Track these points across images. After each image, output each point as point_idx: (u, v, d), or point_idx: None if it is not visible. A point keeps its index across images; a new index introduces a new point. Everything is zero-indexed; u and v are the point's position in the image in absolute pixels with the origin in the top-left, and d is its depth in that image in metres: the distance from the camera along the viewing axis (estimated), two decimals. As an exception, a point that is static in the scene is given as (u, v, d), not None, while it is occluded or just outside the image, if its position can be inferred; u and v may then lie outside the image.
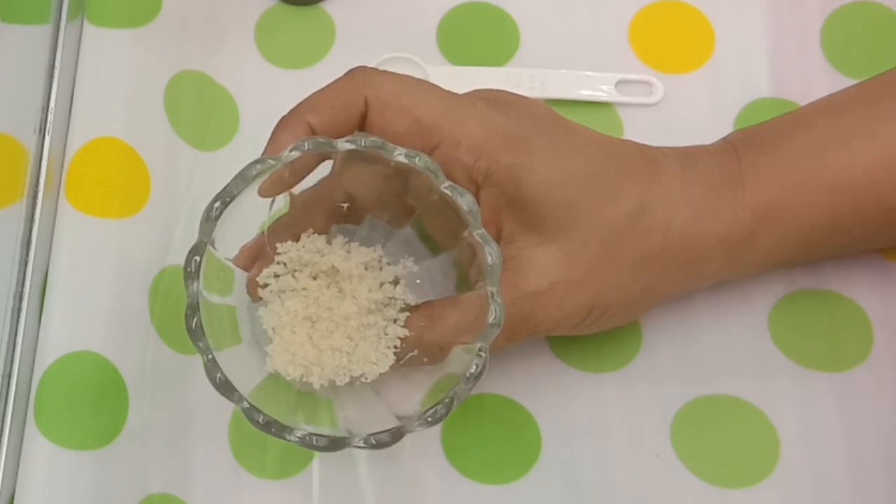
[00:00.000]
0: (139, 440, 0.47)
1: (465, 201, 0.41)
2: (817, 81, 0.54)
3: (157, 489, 0.46)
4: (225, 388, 0.40)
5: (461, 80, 0.53)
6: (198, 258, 0.41)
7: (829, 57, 0.54)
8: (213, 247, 0.42)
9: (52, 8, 0.52)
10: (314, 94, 0.43)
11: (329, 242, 0.45)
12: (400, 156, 0.41)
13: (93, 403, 0.47)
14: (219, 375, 0.40)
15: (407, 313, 0.45)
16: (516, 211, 0.43)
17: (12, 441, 0.46)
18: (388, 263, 0.45)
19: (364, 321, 0.44)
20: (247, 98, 0.53)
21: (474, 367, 0.41)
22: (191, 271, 0.41)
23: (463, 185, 0.42)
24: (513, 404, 0.48)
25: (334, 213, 0.45)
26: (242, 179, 0.41)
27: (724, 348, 0.49)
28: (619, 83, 0.54)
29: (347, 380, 0.44)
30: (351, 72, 0.44)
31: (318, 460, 0.47)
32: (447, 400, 0.40)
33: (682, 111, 0.53)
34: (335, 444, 0.40)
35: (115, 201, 0.50)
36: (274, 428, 0.40)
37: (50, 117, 0.50)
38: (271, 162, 0.41)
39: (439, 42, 0.55)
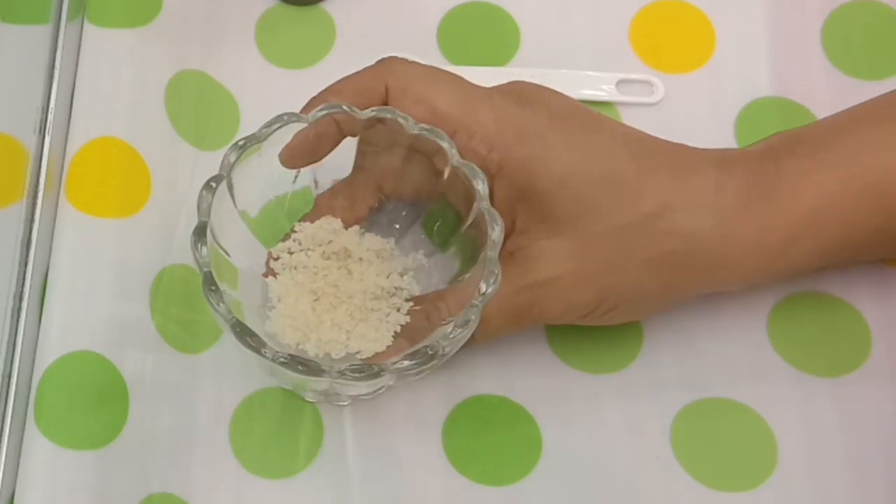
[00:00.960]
0: (139, 440, 0.47)
1: (476, 177, 0.43)
2: (818, 81, 0.54)
3: (157, 489, 0.46)
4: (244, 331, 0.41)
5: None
6: (214, 184, 0.42)
7: (829, 56, 0.54)
8: (233, 196, 0.44)
9: (52, 8, 0.52)
10: (340, 79, 0.45)
11: (345, 228, 0.47)
12: (416, 129, 0.43)
13: (93, 403, 0.47)
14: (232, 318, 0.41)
15: (411, 303, 0.45)
16: (529, 203, 0.44)
17: (12, 441, 0.46)
18: (399, 255, 0.46)
19: (368, 304, 0.45)
20: (247, 98, 0.53)
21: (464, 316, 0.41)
22: (210, 193, 0.42)
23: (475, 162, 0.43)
24: (513, 405, 0.48)
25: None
26: (267, 127, 0.44)
27: (723, 352, 0.49)
28: (620, 83, 0.54)
29: (343, 354, 0.44)
30: (379, 60, 0.46)
31: (318, 460, 0.47)
32: (428, 348, 0.41)
33: (683, 111, 0.53)
34: (313, 370, 0.40)
35: (115, 201, 0.50)
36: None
37: (50, 117, 0.50)
38: (298, 115, 0.44)
39: (439, 42, 0.55)
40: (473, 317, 0.41)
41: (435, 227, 0.47)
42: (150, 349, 0.48)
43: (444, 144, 0.44)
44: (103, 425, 0.47)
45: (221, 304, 0.41)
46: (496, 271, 0.42)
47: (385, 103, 0.45)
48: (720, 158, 0.45)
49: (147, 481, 0.46)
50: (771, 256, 0.45)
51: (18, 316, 0.48)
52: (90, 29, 0.53)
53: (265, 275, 0.46)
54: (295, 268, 0.46)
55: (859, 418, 0.48)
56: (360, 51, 0.53)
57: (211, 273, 0.41)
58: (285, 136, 0.44)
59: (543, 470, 0.47)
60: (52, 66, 0.51)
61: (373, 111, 0.44)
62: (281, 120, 0.44)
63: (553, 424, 0.47)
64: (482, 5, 0.55)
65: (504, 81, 0.53)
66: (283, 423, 0.47)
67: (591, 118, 0.45)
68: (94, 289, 0.49)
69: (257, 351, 0.40)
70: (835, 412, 0.48)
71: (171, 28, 0.54)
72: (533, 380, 0.48)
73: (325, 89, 0.45)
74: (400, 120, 0.44)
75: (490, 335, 0.45)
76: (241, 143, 0.43)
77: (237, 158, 0.43)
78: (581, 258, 0.44)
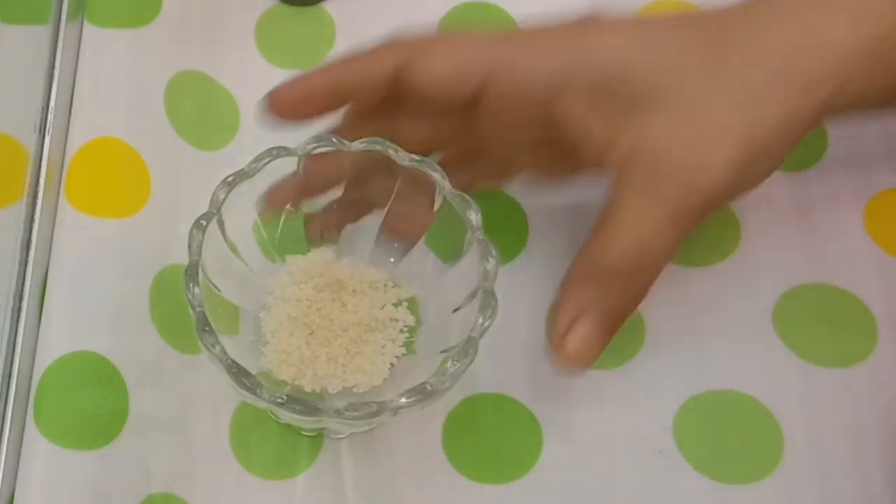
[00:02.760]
0: (139, 440, 0.47)
1: (469, 208, 0.42)
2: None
3: (157, 489, 0.46)
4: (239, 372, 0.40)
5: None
6: (204, 222, 0.42)
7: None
8: (223, 232, 0.43)
9: (52, 8, 0.52)
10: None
11: (338, 259, 0.46)
12: (407, 161, 0.42)
13: (93, 404, 0.47)
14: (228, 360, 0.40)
15: (406, 334, 0.45)
16: (599, 103, 0.42)
17: (12, 441, 0.46)
18: (394, 286, 0.46)
19: (363, 337, 0.45)
20: (247, 98, 0.53)
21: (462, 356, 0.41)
22: (200, 231, 0.42)
23: (526, 108, 0.42)
24: (513, 403, 0.48)
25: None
26: (256, 162, 0.43)
27: (727, 344, 0.49)
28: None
29: (339, 388, 0.44)
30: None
31: (319, 460, 0.47)
32: (427, 385, 0.40)
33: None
34: (310, 410, 0.40)
35: (115, 201, 0.50)
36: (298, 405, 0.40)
37: (50, 117, 0.50)
38: (287, 149, 0.43)
39: (439, 42, 0.55)
40: (472, 350, 0.41)
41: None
42: (150, 349, 0.48)
43: (436, 176, 0.43)
44: (103, 425, 0.47)
45: (217, 346, 0.40)
46: (493, 303, 0.41)
47: (395, 80, 0.43)
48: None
49: (147, 481, 0.46)
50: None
51: (18, 316, 0.47)
52: (90, 29, 0.53)
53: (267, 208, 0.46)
54: (287, 301, 0.45)
55: (866, 410, 0.47)
56: (360, 51, 0.54)
57: (204, 313, 0.40)
58: (275, 169, 0.44)
59: (545, 467, 0.47)
60: (52, 66, 0.51)
61: (363, 143, 0.43)
62: (270, 154, 0.43)
63: (554, 420, 0.47)
64: (482, 5, 0.55)
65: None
66: (283, 423, 0.47)
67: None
68: (94, 289, 0.49)
69: (253, 392, 0.40)
70: (841, 404, 0.47)
71: (171, 28, 0.54)
72: (533, 375, 0.48)
73: (333, 62, 0.44)
74: (391, 152, 0.43)
75: (653, 253, 0.42)
76: (230, 179, 0.43)
77: (226, 195, 0.43)
78: (700, 120, 0.41)
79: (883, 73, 0.42)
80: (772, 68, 0.41)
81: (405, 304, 0.46)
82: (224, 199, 0.43)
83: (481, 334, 0.41)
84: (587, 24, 0.43)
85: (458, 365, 0.40)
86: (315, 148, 0.44)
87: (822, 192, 0.51)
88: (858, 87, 0.42)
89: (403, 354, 0.45)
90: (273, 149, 0.43)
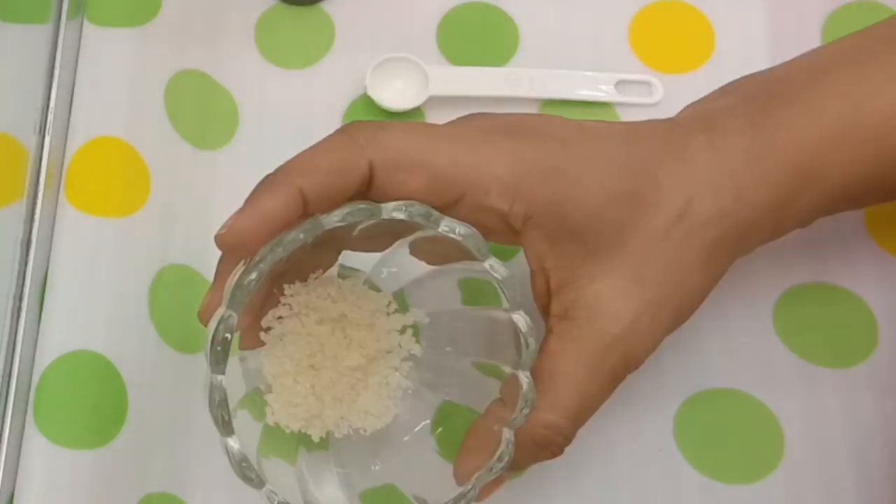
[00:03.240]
0: (138, 440, 0.47)
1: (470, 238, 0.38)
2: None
3: (156, 488, 0.46)
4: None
5: (461, 80, 0.53)
6: (229, 335, 0.37)
7: (829, 56, 0.54)
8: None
9: (52, 7, 0.52)
10: (304, 153, 0.38)
11: (339, 285, 0.42)
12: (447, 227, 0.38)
13: (92, 403, 0.47)
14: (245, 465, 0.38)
15: (410, 363, 0.43)
16: (563, 248, 0.40)
17: (12, 441, 0.46)
18: (396, 311, 0.43)
19: (368, 369, 0.42)
20: (247, 98, 0.53)
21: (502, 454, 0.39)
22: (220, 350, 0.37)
23: (499, 234, 0.40)
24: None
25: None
26: (272, 252, 0.36)
27: (728, 343, 0.49)
28: (619, 83, 0.54)
29: (346, 431, 0.42)
30: (346, 130, 0.39)
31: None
32: (470, 487, 0.38)
33: (683, 111, 0.53)
34: None
35: (115, 201, 0.50)
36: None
37: (50, 117, 0.50)
38: (314, 224, 0.37)
39: (439, 42, 0.55)
40: (507, 457, 0.39)
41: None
42: (149, 349, 0.48)
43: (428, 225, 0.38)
44: (102, 425, 0.47)
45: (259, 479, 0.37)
46: (532, 397, 0.39)
47: (366, 181, 0.38)
48: (703, 120, 0.43)
49: (146, 481, 0.46)
50: (785, 211, 0.42)
51: (18, 316, 0.47)
52: (90, 28, 0.53)
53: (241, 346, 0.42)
54: (286, 335, 0.41)
55: (866, 409, 0.47)
56: (360, 51, 0.54)
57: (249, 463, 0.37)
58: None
59: (544, 464, 0.46)
60: (52, 66, 0.51)
61: (347, 210, 0.37)
62: (291, 236, 0.37)
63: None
64: (482, 5, 0.55)
65: (503, 82, 0.53)
66: (282, 423, 0.47)
67: (587, 132, 0.41)
68: (94, 288, 0.49)
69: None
70: (842, 403, 0.48)
71: (170, 28, 0.54)
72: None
73: (290, 165, 0.38)
74: (429, 227, 0.38)
75: (590, 413, 0.41)
76: (252, 279, 0.36)
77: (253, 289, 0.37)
78: (642, 287, 0.40)
79: (782, 220, 0.43)
80: (706, 246, 0.41)
81: (411, 331, 0.43)
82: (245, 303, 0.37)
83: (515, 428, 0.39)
84: (564, 155, 0.40)
85: (499, 465, 0.39)
86: (347, 222, 0.37)
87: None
88: (763, 238, 0.43)
89: (408, 387, 0.43)
90: (295, 229, 0.37)
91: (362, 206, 0.37)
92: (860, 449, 0.47)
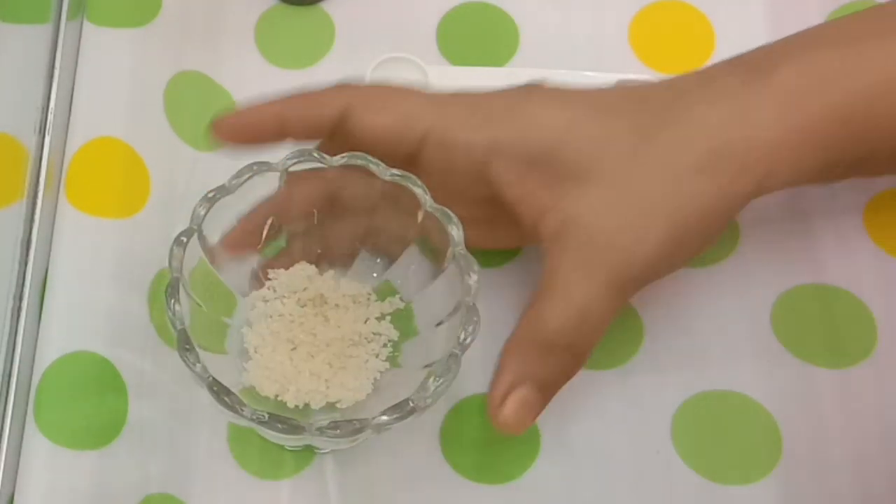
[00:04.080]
0: (138, 440, 0.47)
1: (450, 222, 0.42)
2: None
3: (156, 489, 0.46)
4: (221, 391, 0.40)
5: (461, 79, 0.53)
6: (184, 238, 0.42)
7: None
8: (203, 242, 0.43)
9: (52, 7, 0.52)
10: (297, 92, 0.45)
11: (320, 273, 0.46)
12: (388, 174, 0.42)
13: (92, 403, 0.47)
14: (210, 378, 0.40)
15: (389, 349, 0.45)
16: (533, 173, 0.42)
17: (12, 441, 0.46)
18: (376, 300, 0.46)
19: (346, 352, 0.44)
20: (247, 98, 0.53)
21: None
22: (181, 248, 0.42)
23: (463, 168, 0.43)
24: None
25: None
26: (237, 178, 0.43)
27: (725, 344, 0.49)
28: (619, 83, 0.54)
29: (323, 404, 0.44)
30: (337, 82, 0.45)
31: (317, 460, 0.47)
32: (410, 401, 0.40)
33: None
34: (292, 428, 0.39)
35: (114, 201, 0.50)
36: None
37: (50, 117, 0.50)
38: (269, 164, 0.43)
39: (439, 42, 0.55)
40: (454, 367, 0.40)
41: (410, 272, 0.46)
42: (149, 349, 0.48)
43: (418, 190, 0.43)
44: (103, 425, 0.47)
45: (198, 364, 0.40)
46: (475, 319, 0.41)
47: (338, 124, 0.44)
48: (700, 77, 0.44)
49: (146, 481, 0.46)
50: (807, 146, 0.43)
51: (18, 316, 0.48)
52: (90, 28, 0.53)
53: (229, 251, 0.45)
54: (270, 316, 0.45)
55: (864, 410, 0.47)
56: (360, 51, 0.54)
57: (185, 331, 0.40)
58: (256, 184, 0.43)
59: (542, 466, 0.47)
60: (52, 66, 0.51)
61: (343, 158, 0.43)
62: (251, 169, 0.43)
63: (552, 420, 0.47)
64: (482, 5, 0.55)
65: (504, 82, 0.53)
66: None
67: (558, 89, 0.45)
68: (94, 289, 0.49)
69: (235, 411, 0.39)
70: (840, 404, 0.47)
71: (170, 28, 0.54)
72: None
73: (276, 99, 0.45)
74: (371, 166, 0.43)
75: (597, 318, 0.43)
76: (210, 195, 0.43)
77: (207, 211, 0.42)
78: (628, 195, 0.42)
79: (807, 159, 0.43)
80: (701, 154, 0.42)
81: (388, 318, 0.46)
82: (205, 215, 0.42)
83: (464, 351, 0.41)
84: (527, 96, 0.44)
85: (440, 381, 0.40)
86: (295, 163, 0.43)
87: (822, 191, 0.51)
88: (785, 174, 0.43)
89: (387, 369, 0.45)
90: (254, 164, 0.43)
91: (314, 153, 0.43)
92: (858, 450, 0.47)
